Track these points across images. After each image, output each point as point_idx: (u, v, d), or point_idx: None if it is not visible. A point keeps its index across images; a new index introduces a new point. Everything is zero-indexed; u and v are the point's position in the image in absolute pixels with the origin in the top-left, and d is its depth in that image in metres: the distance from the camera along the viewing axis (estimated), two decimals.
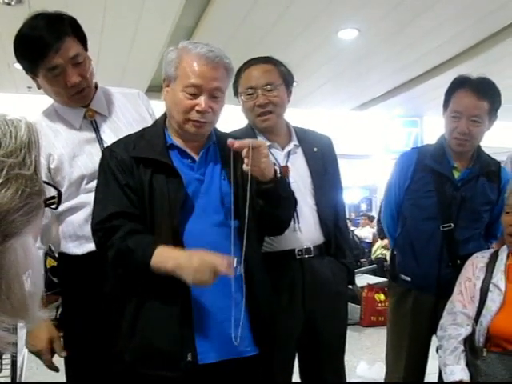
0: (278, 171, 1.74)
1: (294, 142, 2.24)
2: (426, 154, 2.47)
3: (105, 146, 1.93)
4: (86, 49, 1.94)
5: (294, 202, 1.90)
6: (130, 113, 2.09)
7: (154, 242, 1.62)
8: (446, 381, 2.03)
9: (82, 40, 1.92)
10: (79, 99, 1.95)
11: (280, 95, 2.16)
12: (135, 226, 1.66)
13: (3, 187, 0.72)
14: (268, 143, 2.18)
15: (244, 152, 1.63)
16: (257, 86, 2.14)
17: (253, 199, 1.72)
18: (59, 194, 0.87)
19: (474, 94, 2.29)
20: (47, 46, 1.81)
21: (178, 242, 1.65)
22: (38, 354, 1.92)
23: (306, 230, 2.15)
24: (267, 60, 2.20)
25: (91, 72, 1.95)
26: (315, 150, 2.25)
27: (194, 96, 1.69)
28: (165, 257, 1.60)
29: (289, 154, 2.22)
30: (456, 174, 2.41)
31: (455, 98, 2.35)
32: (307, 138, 2.28)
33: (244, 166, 1.65)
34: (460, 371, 2.00)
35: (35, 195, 0.77)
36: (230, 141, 1.65)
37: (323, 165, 2.25)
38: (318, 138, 2.32)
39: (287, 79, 2.21)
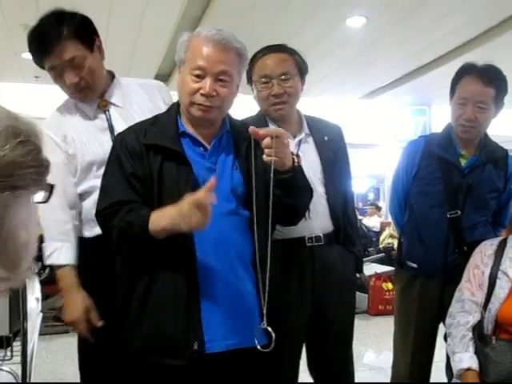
0: (296, 160, 1.72)
1: (305, 130, 2.25)
2: (433, 142, 2.47)
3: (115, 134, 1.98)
4: (91, 49, 1.97)
5: (311, 191, 1.88)
6: (145, 103, 2.12)
7: (150, 211, 1.61)
8: (454, 368, 2.03)
9: (87, 41, 1.96)
10: (80, 97, 2.03)
11: (295, 85, 2.16)
12: (133, 206, 1.65)
13: (22, 144, 0.79)
14: None
15: (266, 141, 1.60)
16: (272, 75, 2.13)
17: (266, 189, 1.69)
18: (51, 187, 0.90)
19: (480, 81, 2.29)
20: (45, 47, 1.91)
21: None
22: (72, 323, 1.96)
23: (316, 218, 2.15)
24: (283, 49, 2.19)
25: (94, 71, 1.99)
26: (326, 138, 2.25)
27: (200, 78, 1.67)
28: (159, 217, 1.59)
29: (300, 142, 2.22)
30: (463, 162, 2.41)
31: (461, 85, 2.35)
32: (318, 127, 2.28)
33: (265, 157, 1.62)
34: (468, 359, 2.00)
35: (45, 166, 0.85)
36: (252, 129, 1.62)
37: (333, 153, 2.25)
38: (328, 127, 2.32)
39: (302, 69, 2.21)
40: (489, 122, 2.38)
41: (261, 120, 2.21)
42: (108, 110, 2.06)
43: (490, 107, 2.32)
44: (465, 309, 2.11)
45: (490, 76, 2.30)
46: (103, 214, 1.70)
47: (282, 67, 2.14)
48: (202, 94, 1.68)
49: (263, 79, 2.15)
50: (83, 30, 1.96)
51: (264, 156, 1.62)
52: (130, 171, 1.68)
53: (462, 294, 2.16)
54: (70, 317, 1.93)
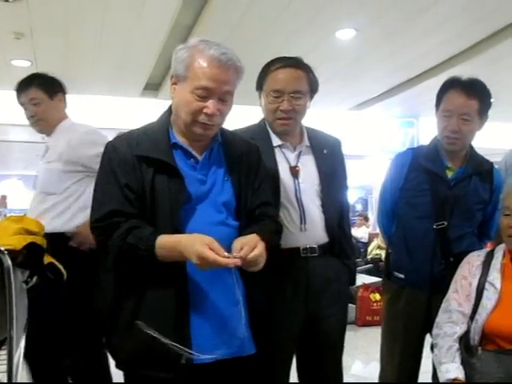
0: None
1: (306, 143, 2.26)
2: (420, 154, 2.50)
3: (41, 163, 2.89)
4: (50, 97, 2.90)
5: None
6: (61, 147, 2.80)
7: (154, 233, 1.61)
8: (440, 379, 2.04)
9: (47, 91, 2.89)
10: (36, 129, 2.99)
11: (304, 104, 2.18)
12: (133, 223, 1.64)
13: None
14: (280, 142, 2.21)
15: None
16: (284, 91, 2.14)
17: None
18: None
19: (463, 94, 2.34)
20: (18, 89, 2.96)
21: None
22: None
23: (311, 230, 2.16)
24: (298, 65, 2.19)
25: (45, 111, 2.89)
26: (325, 151, 2.27)
27: (204, 98, 1.67)
28: (168, 248, 1.59)
29: (299, 154, 2.23)
30: (449, 174, 2.44)
31: (446, 98, 2.40)
32: (318, 140, 2.29)
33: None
34: (455, 369, 2.01)
35: None
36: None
37: (332, 166, 2.27)
38: (328, 140, 2.34)
39: (313, 88, 2.22)
40: (473, 134, 2.42)
41: (262, 129, 2.23)
42: (47, 146, 2.92)
43: (474, 119, 2.36)
44: (452, 319, 2.13)
45: (473, 89, 2.35)
46: (99, 226, 1.68)
47: (295, 85, 2.14)
48: (206, 114, 1.68)
49: (274, 93, 2.15)
50: (47, 84, 2.91)
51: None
52: (124, 182, 1.67)
53: (449, 304, 2.17)
54: None
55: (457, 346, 2.07)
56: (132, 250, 1.61)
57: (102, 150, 2.79)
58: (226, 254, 1.54)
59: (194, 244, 1.54)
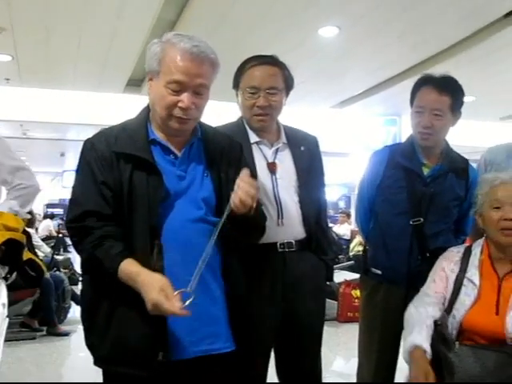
0: (254, 205, 1.68)
1: (283, 140, 2.29)
2: (397, 152, 2.54)
3: None
4: None
5: (262, 228, 1.91)
6: None
7: (120, 253, 1.60)
8: (403, 347, 2.01)
9: None
10: None
11: (280, 100, 2.22)
12: (106, 232, 1.63)
13: None
14: (258, 139, 2.23)
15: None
16: (260, 87, 2.17)
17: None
18: None
19: (435, 90, 2.39)
20: None
21: (155, 239, 1.64)
22: None
23: (288, 225, 2.18)
24: (274, 62, 2.23)
25: None
26: (302, 148, 2.29)
27: (177, 92, 1.67)
28: (129, 275, 1.59)
29: (277, 151, 2.25)
30: (425, 171, 2.47)
31: (419, 95, 2.45)
32: (295, 137, 2.32)
33: (233, 196, 1.62)
34: (424, 340, 1.97)
35: None
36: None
37: (308, 163, 2.29)
38: (305, 137, 2.37)
39: (289, 84, 2.27)
40: (446, 129, 2.46)
41: (240, 127, 2.25)
42: None
43: (446, 115, 2.40)
44: (425, 301, 2.13)
45: (445, 85, 2.40)
46: (74, 227, 1.68)
47: (270, 81, 2.18)
48: (180, 108, 1.68)
49: (251, 89, 2.18)
50: None
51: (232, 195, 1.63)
52: (101, 179, 1.66)
53: (424, 291, 2.19)
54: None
55: (428, 323, 2.04)
56: (98, 264, 1.62)
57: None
58: (179, 303, 1.51)
59: (151, 290, 1.52)
